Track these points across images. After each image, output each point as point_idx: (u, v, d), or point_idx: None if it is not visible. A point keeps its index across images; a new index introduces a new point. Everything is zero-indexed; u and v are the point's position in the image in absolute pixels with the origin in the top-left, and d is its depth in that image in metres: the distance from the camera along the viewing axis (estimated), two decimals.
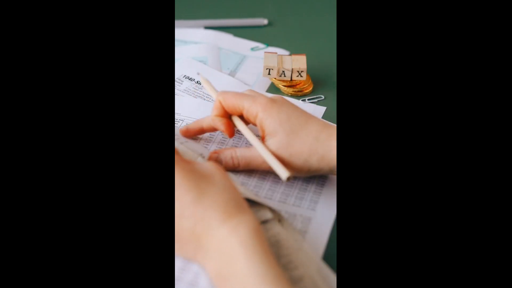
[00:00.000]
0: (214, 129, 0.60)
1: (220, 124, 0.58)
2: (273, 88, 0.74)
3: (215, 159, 0.57)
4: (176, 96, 0.70)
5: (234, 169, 0.57)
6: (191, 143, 0.61)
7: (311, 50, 0.80)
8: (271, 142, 0.55)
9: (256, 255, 0.43)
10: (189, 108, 0.69)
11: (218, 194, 0.46)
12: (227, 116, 0.59)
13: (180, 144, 0.60)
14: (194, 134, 0.62)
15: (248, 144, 0.62)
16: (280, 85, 0.73)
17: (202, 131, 0.61)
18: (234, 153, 0.57)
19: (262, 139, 0.56)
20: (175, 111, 0.67)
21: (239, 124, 0.58)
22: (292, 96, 0.73)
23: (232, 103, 0.57)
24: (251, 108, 0.55)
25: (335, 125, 0.55)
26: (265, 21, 0.89)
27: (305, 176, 0.57)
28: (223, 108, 0.58)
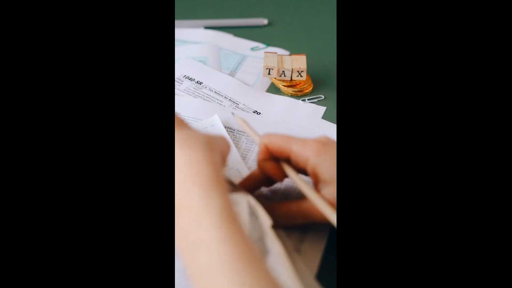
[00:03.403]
0: (263, 175, 0.54)
1: (269, 168, 0.52)
2: (273, 88, 0.74)
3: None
4: (176, 96, 0.70)
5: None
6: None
7: (311, 50, 0.80)
8: (328, 191, 0.48)
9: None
10: (189, 108, 0.69)
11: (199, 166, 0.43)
12: (273, 159, 0.52)
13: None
14: (254, 183, 0.55)
15: (299, 193, 0.56)
16: (280, 85, 0.73)
17: (256, 179, 0.54)
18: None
19: (315, 187, 0.50)
20: (175, 111, 0.67)
21: (289, 171, 0.52)
22: (292, 96, 0.73)
23: (278, 146, 0.51)
24: (300, 152, 0.49)
25: None
26: (265, 21, 0.89)
27: None
28: (268, 152, 0.52)
